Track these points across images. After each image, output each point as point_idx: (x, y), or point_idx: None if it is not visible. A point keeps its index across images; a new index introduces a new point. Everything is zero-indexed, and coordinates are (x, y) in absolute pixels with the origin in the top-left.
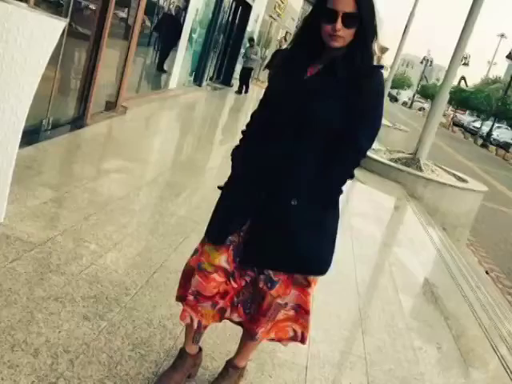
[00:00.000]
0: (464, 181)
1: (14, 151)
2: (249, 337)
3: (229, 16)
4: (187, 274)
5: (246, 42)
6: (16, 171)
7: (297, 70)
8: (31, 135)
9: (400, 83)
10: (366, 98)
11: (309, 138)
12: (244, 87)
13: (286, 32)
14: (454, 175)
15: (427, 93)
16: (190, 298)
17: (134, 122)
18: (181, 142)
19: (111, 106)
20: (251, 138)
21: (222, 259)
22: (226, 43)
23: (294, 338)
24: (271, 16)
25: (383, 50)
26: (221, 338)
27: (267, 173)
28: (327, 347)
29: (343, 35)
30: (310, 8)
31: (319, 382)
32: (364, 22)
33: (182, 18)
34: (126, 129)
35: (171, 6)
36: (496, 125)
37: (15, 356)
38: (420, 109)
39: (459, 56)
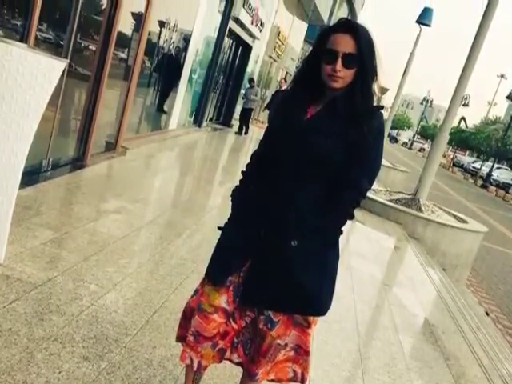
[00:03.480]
0: (464, 221)
1: (13, 192)
2: (249, 377)
3: (229, 57)
4: (187, 315)
5: (245, 83)
6: (16, 212)
7: (297, 110)
8: (31, 176)
9: (400, 124)
10: (366, 138)
11: (309, 178)
12: (244, 128)
13: (286, 72)
14: (454, 216)
15: (427, 133)
16: (190, 338)
17: (134, 162)
18: (181, 183)
19: (111, 146)
20: (251, 179)
21: (222, 300)
22: (226, 84)
23: (294, 379)
24: (271, 57)
25: (383, 90)
26: (221, 379)
27: (267, 213)
28: None
29: (343, 76)
30: (310, 48)
31: None
32: (364, 62)
33: (182, 59)
34: (126, 169)
35: (171, 46)
36: (496, 165)
37: None
38: (420, 149)
39: (459, 96)
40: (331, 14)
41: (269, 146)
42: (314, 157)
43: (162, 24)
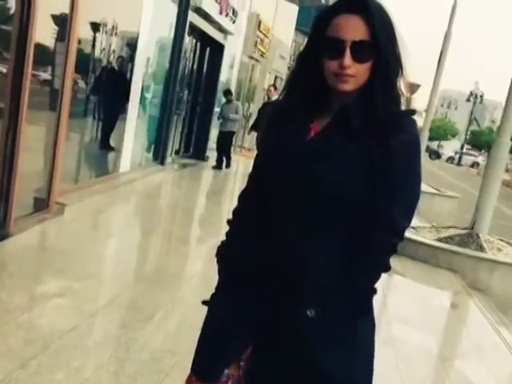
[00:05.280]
0: None
1: None
2: None
3: (193, 63)
4: None
5: (220, 97)
6: None
7: (295, 127)
8: None
9: (441, 132)
10: (395, 160)
11: (322, 222)
12: (224, 159)
13: (276, 77)
14: None
15: (480, 141)
16: None
17: (76, 223)
18: (144, 246)
19: (42, 204)
20: (242, 229)
21: None
22: (194, 101)
23: None
24: (252, 57)
25: (413, 87)
26: None
27: (269, 275)
28: None
29: (354, 73)
30: (306, 40)
31: None
32: (383, 51)
33: (129, 73)
34: (66, 234)
35: (111, 57)
36: None
37: None
38: (473, 164)
39: None
40: None
41: (261, 182)
42: (325, 192)
43: (95, 27)
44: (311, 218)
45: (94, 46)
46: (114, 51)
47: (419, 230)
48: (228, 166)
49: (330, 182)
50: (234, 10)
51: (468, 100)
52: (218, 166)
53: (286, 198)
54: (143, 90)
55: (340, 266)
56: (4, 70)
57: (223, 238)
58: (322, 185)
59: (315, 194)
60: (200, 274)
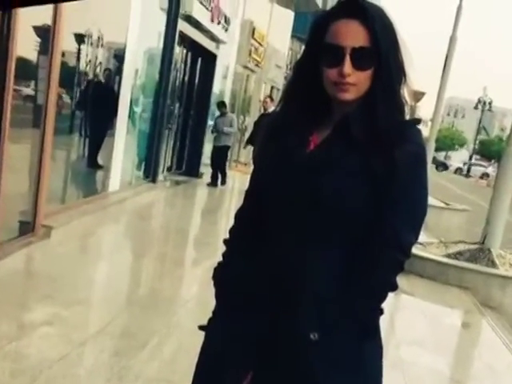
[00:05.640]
0: None
1: None
2: None
3: (184, 74)
4: None
5: (214, 110)
6: None
7: (294, 140)
8: None
9: (448, 142)
10: (400, 172)
11: (324, 240)
12: (219, 176)
13: (272, 87)
14: None
15: (490, 151)
16: None
17: (64, 246)
18: (136, 269)
19: (28, 227)
20: (239, 250)
21: None
22: (186, 114)
23: None
24: (247, 67)
25: (418, 95)
26: None
27: (269, 296)
28: None
29: (355, 82)
30: (303, 48)
31: None
32: (384, 58)
33: (117, 86)
34: (54, 258)
35: (97, 69)
36: None
37: None
38: (482, 176)
39: None
40: None
41: (259, 199)
42: (326, 205)
43: (80, 38)
44: (311, 229)
45: (78, 59)
46: (100, 63)
47: (427, 245)
48: (223, 182)
49: (330, 195)
50: (226, 18)
51: (476, 107)
52: (213, 183)
53: (285, 211)
54: (132, 103)
55: (343, 283)
56: None
57: (220, 259)
58: (322, 198)
59: (315, 208)
60: (196, 298)
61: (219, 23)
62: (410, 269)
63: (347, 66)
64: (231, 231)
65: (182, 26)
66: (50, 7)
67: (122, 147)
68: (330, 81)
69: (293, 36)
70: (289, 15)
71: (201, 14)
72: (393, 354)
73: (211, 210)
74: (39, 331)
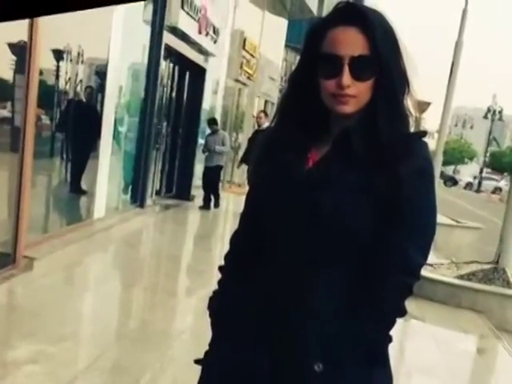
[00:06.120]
0: None
1: None
2: None
3: (171, 90)
4: None
5: (204, 127)
6: None
7: (292, 157)
8: None
9: (457, 155)
10: (406, 188)
11: (327, 263)
12: (212, 198)
13: (266, 101)
14: None
15: (502, 163)
16: None
17: (48, 278)
18: (126, 300)
19: (8, 259)
20: (236, 276)
21: None
22: (174, 133)
23: None
24: (238, 80)
25: (423, 106)
26: None
27: (268, 324)
28: None
29: (355, 93)
30: (297, 58)
31: None
32: (386, 67)
33: (99, 105)
34: (37, 292)
35: (78, 88)
36: None
37: None
38: (494, 190)
39: None
40: (322, 0)
41: (255, 222)
42: (327, 226)
43: (58, 55)
44: (311, 250)
45: (58, 77)
46: (81, 81)
47: (437, 266)
48: (217, 205)
49: (331, 214)
50: (214, 29)
51: (485, 117)
52: (206, 206)
53: (283, 232)
54: (116, 123)
55: (348, 309)
56: None
57: (215, 287)
58: (322, 218)
59: (315, 228)
60: (191, 330)
61: (207, 34)
62: (420, 292)
63: (346, 77)
64: (227, 257)
65: (168, 38)
66: (25, 22)
67: (107, 170)
68: (327, 93)
69: (287, 46)
70: (282, 24)
71: (187, 26)
72: None
73: (204, 235)
74: (24, 370)
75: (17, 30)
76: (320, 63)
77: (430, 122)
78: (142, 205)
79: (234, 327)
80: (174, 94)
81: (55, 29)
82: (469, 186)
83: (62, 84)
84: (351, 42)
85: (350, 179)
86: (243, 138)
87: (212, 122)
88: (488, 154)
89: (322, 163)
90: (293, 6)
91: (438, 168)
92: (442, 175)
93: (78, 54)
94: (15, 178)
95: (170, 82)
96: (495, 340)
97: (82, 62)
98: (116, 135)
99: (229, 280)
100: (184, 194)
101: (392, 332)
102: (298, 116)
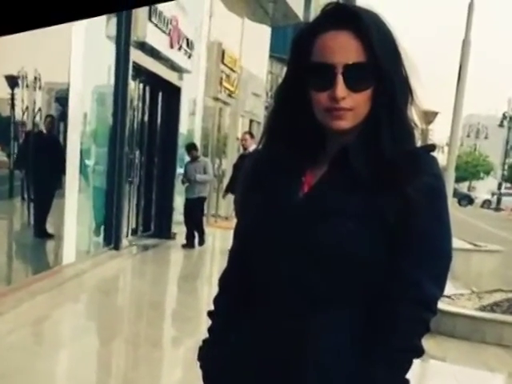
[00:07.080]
0: None
1: None
2: None
3: (143, 114)
4: None
5: (183, 154)
6: None
7: (284, 185)
8: None
9: (471, 169)
10: (416, 211)
11: (325, 298)
12: (196, 234)
13: (251, 120)
14: None
15: None
16: None
17: (14, 335)
18: (105, 355)
19: None
20: (228, 322)
21: None
22: (149, 163)
23: None
24: (218, 98)
25: (429, 116)
26: None
27: (265, 375)
28: None
29: (351, 106)
30: (284, 69)
31: None
32: (385, 74)
33: (62, 136)
34: (2, 351)
35: (37, 117)
36: None
37: None
38: None
39: None
40: (308, 2)
41: (246, 259)
42: (327, 258)
43: (12, 81)
44: (311, 290)
45: (13, 106)
46: (39, 109)
47: (456, 298)
48: (202, 242)
49: (332, 246)
50: (188, 41)
51: (501, 125)
52: (189, 244)
53: (278, 270)
54: (82, 155)
55: (356, 351)
56: None
57: (205, 335)
58: (322, 251)
59: (315, 263)
60: None
61: (180, 48)
62: (438, 328)
63: (340, 88)
64: (216, 301)
65: (136, 55)
66: None
67: (75, 210)
68: (320, 107)
69: (271, 56)
70: (265, 32)
71: (157, 40)
72: None
73: (189, 277)
74: None
75: None
76: (310, 74)
77: (438, 133)
78: (116, 247)
79: (227, 380)
80: (146, 119)
81: (7, 52)
82: (486, 203)
83: (18, 114)
84: (344, 49)
85: (351, 204)
86: (227, 164)
87: (191, 147)
88: (506, 167)
89: (319, 187)
90: (276, 11)
91: (450, 185)
92: (456, 193)
93: (35, 78)
94: None
95: (141, 105)
96: None
97: (40, 87)
98: (83, 169)
99: (220, 327)
100: (164, 232)
101: (409, 375)
102: (288, 135)
